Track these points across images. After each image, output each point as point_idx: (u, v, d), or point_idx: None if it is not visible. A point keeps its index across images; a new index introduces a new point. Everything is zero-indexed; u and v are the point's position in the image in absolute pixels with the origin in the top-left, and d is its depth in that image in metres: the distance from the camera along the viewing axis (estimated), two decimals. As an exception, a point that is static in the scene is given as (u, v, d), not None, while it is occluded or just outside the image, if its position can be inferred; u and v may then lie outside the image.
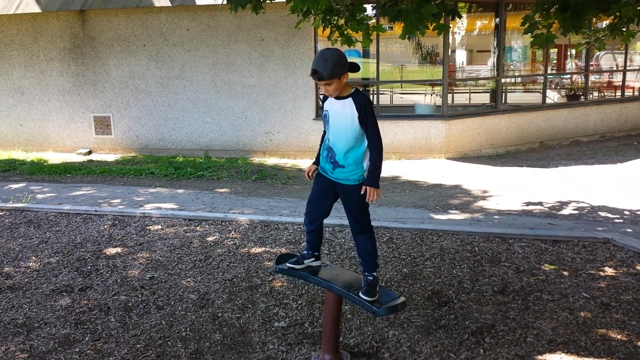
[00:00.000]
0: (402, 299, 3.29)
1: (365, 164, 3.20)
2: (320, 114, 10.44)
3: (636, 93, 14.85)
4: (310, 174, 3.50)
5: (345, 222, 3.78)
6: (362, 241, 3.33)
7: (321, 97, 3.37)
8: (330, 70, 3.04)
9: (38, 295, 4.54)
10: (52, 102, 12.43)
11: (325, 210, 3.42)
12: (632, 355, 3.49)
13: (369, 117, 3.12)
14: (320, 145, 3.43)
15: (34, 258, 5.37)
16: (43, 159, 11.51)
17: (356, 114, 3.11)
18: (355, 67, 3.17)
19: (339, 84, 3.12)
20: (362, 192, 3.13)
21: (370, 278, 3.24)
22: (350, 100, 3.14)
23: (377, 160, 3.16)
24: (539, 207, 7.25)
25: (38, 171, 10.22)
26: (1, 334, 3.94)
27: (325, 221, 3.49)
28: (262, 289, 4.55)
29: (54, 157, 11.80)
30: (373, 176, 3.15)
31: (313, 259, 3.50)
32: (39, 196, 8.26)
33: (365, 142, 3.19)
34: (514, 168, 9.96)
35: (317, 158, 3.45)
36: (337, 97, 3.20)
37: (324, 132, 3.39)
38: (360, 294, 3.18)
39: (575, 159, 10.72)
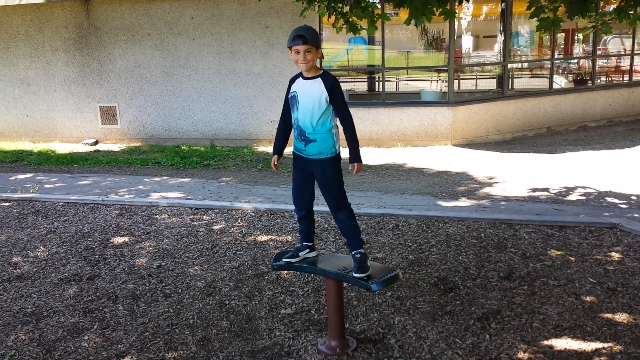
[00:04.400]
0: (396, 271, 3.35)
1: (334, 134, 3.33)
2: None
3: (644, 77, 14.72)
4: (275, 164, 3.58)
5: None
6: (341, 219, 3.41)
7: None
8: (312, 36, 3.22)
9: (46, 285, 4.58)
10: (58, 93, 12.46)
11: (309, 191, 3.48)
12: (639, 339, 3.48)
13: (338, 96, 3.27)
14: (277, 133, 3.55)
15: (42, 248, 5.41)
16: (50, 150, 11.56)
17: (326, 92, 3.24)
18: (321, 56, 3.39)
19: (316, 56, 3.26)
20: (350, 169, 3.35)
21: (358, 255, 3.30)
22: (319, 79, 3.27)
23: (352, 137, 3.31)
24: (545, 192, 7.23)
25: (45, 162, 10.26)
26: (11, 323, 3.98)
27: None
28: (269, 276, 4.57)
29: (60, 148, 11.84)
30: (354, 152, 3.34)
31: (308, 250, 3.55)
32: (46, 186, 8.31)
33: (331, 118, 3.32)
34: (520, 154, 9.92)
35: (277, 147, 3.56)
36: (306, 77, 3.31)
37: (280, 120, 3.52)
38: (353, 273, 3.24)
39: (583, 144, 10.66)
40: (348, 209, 3.41)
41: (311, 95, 3.27)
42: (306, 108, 3.29)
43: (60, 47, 12.20)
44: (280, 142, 3.54)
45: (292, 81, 3.41)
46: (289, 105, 3.42)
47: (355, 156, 3.33)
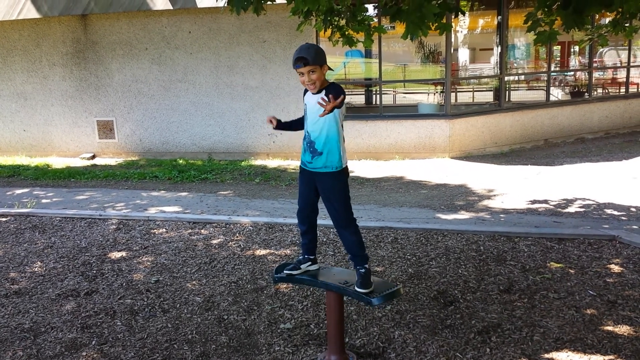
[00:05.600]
0: (397, 286, 3.33)
1: (340, 148, 3.27)
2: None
3: (640, 89, 14.78)
4: (270, 119, 3.50)
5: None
6: (347, 236, 3.36)
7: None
8: (314, 55, 3.16)
9: (44, 300, 4.55)
10: (55, 107, 12.46)
11: (313, 206, 3.46)
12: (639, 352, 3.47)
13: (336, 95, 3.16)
14: (299, 119, 3.51)
15: (39, 263, 5.38)
16: (47, 164, 11.54)
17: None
18: (330, 68, 3.33)
19: (322, 74, 3.21)
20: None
21: (363, 270, 3.27)
22: (324, 93, 3.22)
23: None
24: (544, 205, 7.23)
25: (42, 176, 10.24)
26: (8, 339, 3.95)
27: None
28: (268, 290, 4.55)
29: (57, 162, 11.83)
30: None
31: (309, 262, 3.53)
32: (43, 201, 8.28)
33: (338, 131, 3.27)
34: (518, 166, 9.93)
35: (287, 122, 3.55)
36: (314, 92, 3.27)
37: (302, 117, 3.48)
38: (356, 288, 3.21)
39: (580, 156, 10.68)
40: (353, 225, 3.35)
41: (318, 109, 3.21)
42: (314, 121, 3.27)
43: (58, 62, 12.22)
44: (289, 122, 3.54)
45: (305, 91, 3.40)
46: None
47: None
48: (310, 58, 3.13)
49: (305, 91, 3.38)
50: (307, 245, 3.54)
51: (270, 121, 3.50)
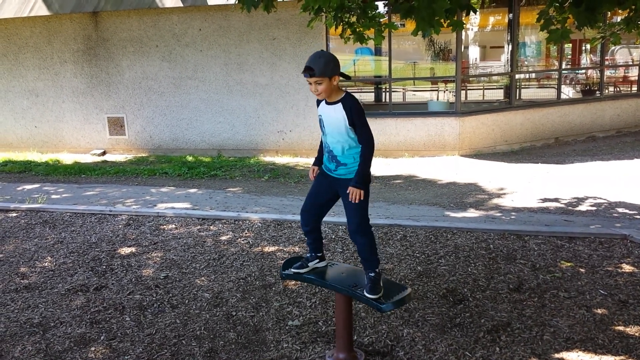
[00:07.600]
0: (407, 290, 3.28)
1: None
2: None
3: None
4: (314, 174, 3.50)
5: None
6: (360, 240, 3.31)
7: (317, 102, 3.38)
8: (323, 67, 3.09)
9: (54, 295, 4.57)
10: (67, 104, 12.53)
11: (321, 209, 3.44)
12: (651, 352, 3.43)
13: (357, 119, 3.16)
14: (320, 145, 3.48)
15: (49, 258, 5.40)
16: (58, 160, 11.60)
17: (347, 119, 3.15)
18: (346, 77, 3.31)
19: (329, 85, 3.14)
20: (347, 192, 3.17)
21: (372, 274, 3.23)
22: (340, 104, 3.18)
23: (365, 162, 3.20)
24: (554, 203, 7.18)
25: (53, 172, 10.30)
26: (17, 334, 3.97)
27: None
28: (276, 287, 4.55)
29: (68, 158, 11.89)
30: (359, 177, 3.17)
31: (317, 260, 3.51)
32: (54, 197, 8.33)
33: (358, 141, 3.24)
34: (529, 164, 9.88)
35: (318, 159, 3.49)
36: (329, 102, 3.23)
37: (322, 136, 3.44)
38: (365, 293, 3.18)
39: (591, 154, 10.60)
40: (368, 232, 3.31)
41: (334, 121, 3.20)
42: (332, 133, 3.24)
43: (69, 59, 12.28)
44: (321, 155, 3.49)
45: (317, 103, 3.35)
46: None
47: (357, 180, 3.15)
48: (317, 69, 3.07)
49: (319, 102, 3.34)
50: (312, 245, 3.52)
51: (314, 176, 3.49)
